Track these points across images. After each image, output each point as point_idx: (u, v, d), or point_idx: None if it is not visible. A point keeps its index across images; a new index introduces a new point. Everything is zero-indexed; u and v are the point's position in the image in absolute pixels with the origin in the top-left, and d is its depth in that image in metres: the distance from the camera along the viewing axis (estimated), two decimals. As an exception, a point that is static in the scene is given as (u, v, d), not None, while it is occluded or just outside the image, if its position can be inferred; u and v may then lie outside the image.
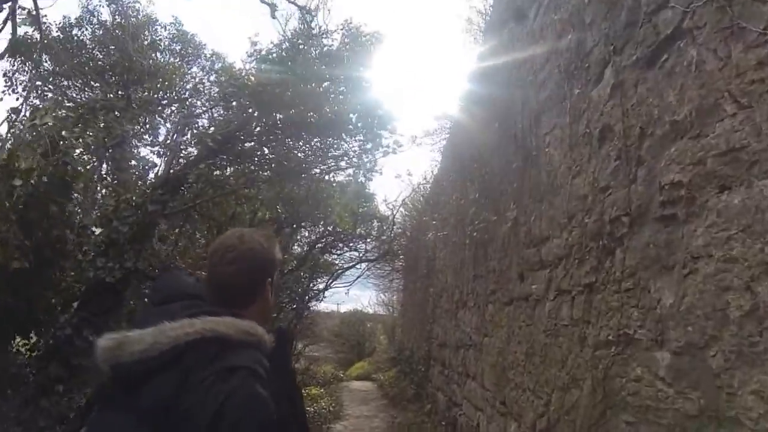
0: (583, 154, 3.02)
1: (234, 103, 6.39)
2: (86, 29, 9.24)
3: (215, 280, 1.35)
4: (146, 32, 9.59)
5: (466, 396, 5.85)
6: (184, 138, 6.86)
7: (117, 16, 9.42)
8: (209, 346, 1.17)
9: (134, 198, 5.54)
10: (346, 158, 7.52)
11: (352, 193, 13.79)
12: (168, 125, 7.91)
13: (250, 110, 6.37)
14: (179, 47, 9.95)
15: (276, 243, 1.48)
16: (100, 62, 8.75)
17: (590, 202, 2.85)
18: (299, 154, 7.47)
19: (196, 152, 6.36)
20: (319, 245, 15.08)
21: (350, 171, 7.89)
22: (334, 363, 23.50)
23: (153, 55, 8.85)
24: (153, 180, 6.66)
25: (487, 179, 5.46)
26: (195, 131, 6.59)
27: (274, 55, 6.17)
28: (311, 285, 14.67)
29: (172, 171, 6.20)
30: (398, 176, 17.97)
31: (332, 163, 7.68)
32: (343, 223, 10.61)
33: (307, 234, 15.80)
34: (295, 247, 15.79)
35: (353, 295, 25.80)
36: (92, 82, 8.66)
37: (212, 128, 6.75)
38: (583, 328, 2.82)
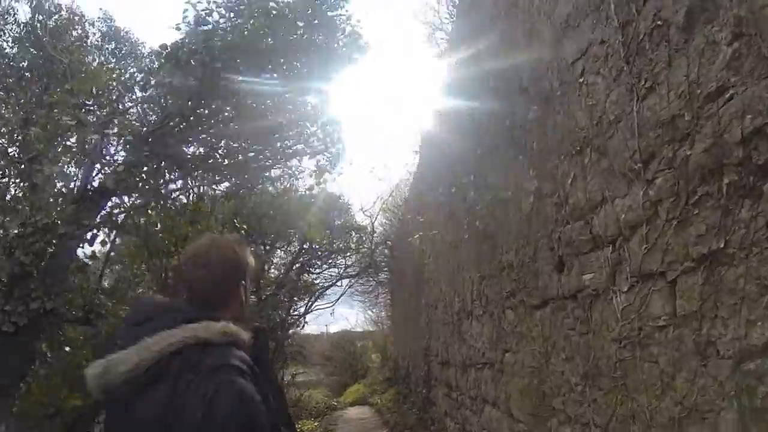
0: (658, 58, 1.93)
1: (152, 92, 5.23)
2: (2, 31, 8.02)
3: (189, 284, 1.40)
4: (71, 30, 8.43)
5: (486, 427, 4.67)
6: (109, 142, 5.65)
7: (39, 15, 8.23)
8: (192, 351, 1.20)
9: (40, 219, 4.28)
10: (308, 147, 6.36)
11: (323, 201, 12.63)
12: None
13: (181, 102, 5.20)
14: (112, 46, 8.79)
15: (247, 248, 1.53)
16: (16, 66, 7.54)
17: (690, 122, 1.75)
18: (252, 154, 6.30)
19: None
20: (296, 265, 13.86)
21: (315, 164, 6.64)
22: (327, 388, 22.16)
23: (80, 55, 7.62)
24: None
25: (487, 149, 4.36)
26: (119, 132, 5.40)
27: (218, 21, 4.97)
28: (291, 310, 13.41)
29: (93, 182, 5.01)
30: (372, 170, 16.81)
31: (290, 152, 6.50)
32: (313, 234, 9.39)
33: (282, 255, 14.53)
34: (272, 270, 14.52)
35: (340, 314, 24.48)
36: (10, 91, 7.40)
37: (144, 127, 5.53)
38: (704, 328, 1.69)
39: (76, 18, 9.07)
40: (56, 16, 8.63)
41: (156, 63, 6.41)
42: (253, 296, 12.18)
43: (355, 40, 6.04)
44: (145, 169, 5.55)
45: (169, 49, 4.71)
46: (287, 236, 12.55)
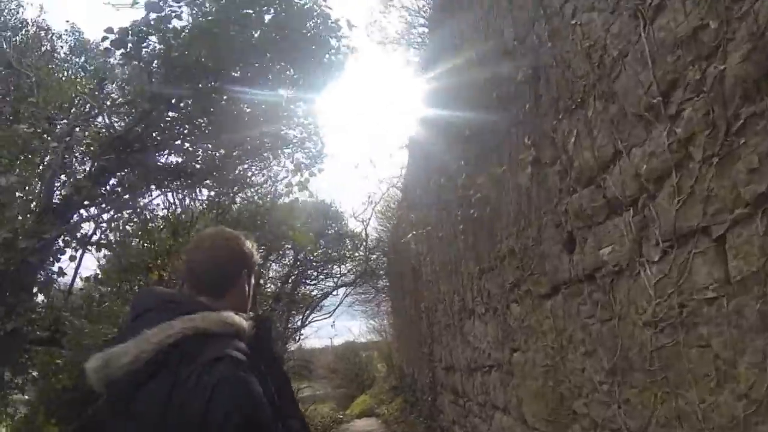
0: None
1: (115, 95, 4.81)
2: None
3: (191, 267, 1.40)
4: (39, 45, 8.04)
5: (498, 435, 4.23)
6: (73, 153, 5.22)
7: (3, 31, 7.84)
8: (192, 342, 1.19)
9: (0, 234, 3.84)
10: (288, 146, 5.93)
11: (313, 209, 12.20)
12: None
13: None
14: (82, 59, 8.40)
15: (251, 240, 1.49)
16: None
17: (718, 30, 1.34)
18: (224, 151, 5.87)
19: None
20: (292, 278, 13.40)
21: (293, 162, 6.19)
22: (334, 401, 21.65)
23: (48, 69, 7.22)
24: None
25: (476, 128, 3.96)
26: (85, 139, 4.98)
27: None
28: (288, 324, 12.92)
29: (57, 195, 4.58)
30: (357, 166, 16.38)
31: (267, 146, 6.07)
32: (300, 238, 8.97)
33: (277, 268, 14.08)
34: (268, 284, 14.07)
35: (343, 327, 24.01)
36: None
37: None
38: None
39: (43, 33, 8.70)
40: (22, 32, 8.26)
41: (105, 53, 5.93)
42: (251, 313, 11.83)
43: (331, 29, 5.64)
44: (113, 180, 5.13)
45: (116, 34, 4.27)
46: (280, 247, 12.09)
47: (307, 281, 13.63)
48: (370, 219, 13.01)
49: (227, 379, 1.13)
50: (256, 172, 6.44)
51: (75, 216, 4.74)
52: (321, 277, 13.67)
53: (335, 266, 13.79)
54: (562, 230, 2.48)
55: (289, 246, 12.90)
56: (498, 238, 3.67)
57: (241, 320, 1.30)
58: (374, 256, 14.18)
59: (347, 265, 14.10)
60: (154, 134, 5.52)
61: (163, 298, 1.33)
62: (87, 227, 5.46)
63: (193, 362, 1.16)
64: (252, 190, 8.88)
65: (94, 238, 5.85)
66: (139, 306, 1.33)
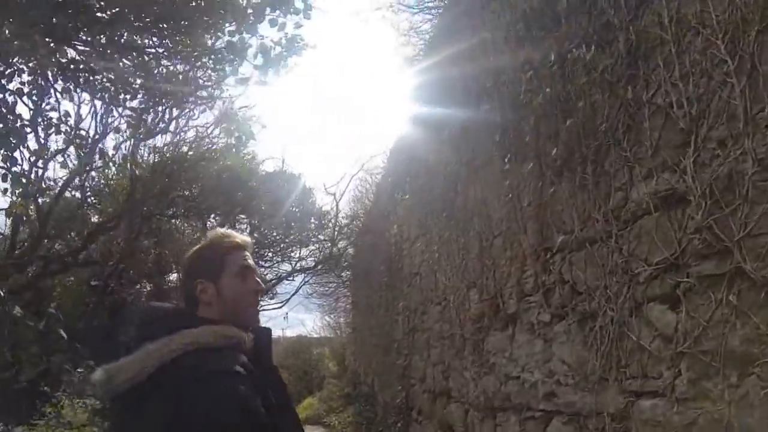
0: None
1: None
2: None
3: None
4: None
5: None
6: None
7: None
8: (192, 356, 1.20)
9: None
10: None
11: (281, 180, 10.30)
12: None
13: None
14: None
15: (222, 235, 1.45)
16: None
17: None
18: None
19: None
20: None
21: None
22: None
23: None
24: None
25: None
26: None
27: None
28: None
29: None
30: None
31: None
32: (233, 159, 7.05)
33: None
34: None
35: (295, 319, 22.03)
36: None
37: None
38: None
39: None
40: None
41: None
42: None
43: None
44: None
45: None
46: (232, 217, 10.12)
47: (263, 263, 11.63)
48: (344, 193, 11.06)
49: (225, 394, 1.15)
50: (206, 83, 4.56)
51: None
52: (277, 259, 11.68)
53: (295, 249, 11.86)
54: None
55: (245, 218, 10.93)
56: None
57: (240, 332, 1.30)
58: (341, 243, 12.29)
59: (309, 247, 12.22)
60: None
61: (165, 313, 1.37)
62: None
63: (192, 376, 1.17)
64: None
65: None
66: (142, 321, 1.33)
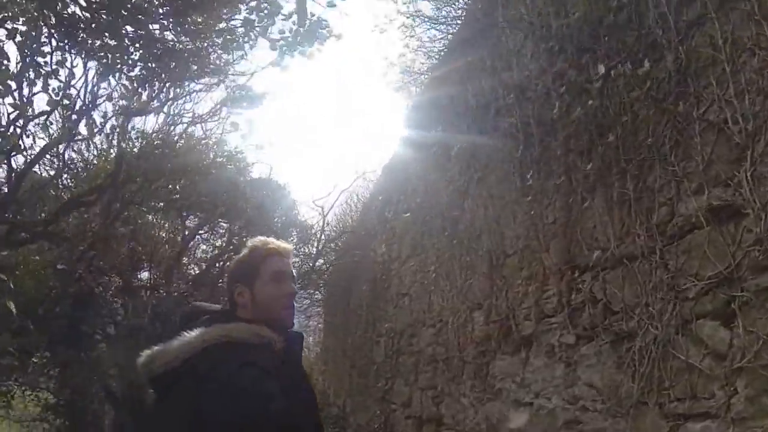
0: None
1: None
2: None
3: None
4: None
5: None
6: None
7: None
8: (222, 347, 1.30)
9: None
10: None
11: (262, 186, 10.08)
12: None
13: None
14: None
15: (259, 244, 1.53)
16: None
17: None
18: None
19: None
20: (220, 263, 11.01)
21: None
22: None
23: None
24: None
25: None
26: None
27: None
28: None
29: None
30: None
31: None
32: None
33: (205, 248, 11.60)
34: (191, 266, 11.56)
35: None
36: None
37: None
38: None
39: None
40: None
41: None
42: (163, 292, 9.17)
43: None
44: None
45: None
46: (213, 218, 9.79)
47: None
48: (332, 207, 10.78)
49: (247, 384, 1.22)
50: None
51: None
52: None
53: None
54: None
55: (224, 222, 10.60)
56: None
57: (271, 333, 1.37)
58: (319, 261, 11.98)
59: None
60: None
61: (206, 310, 1.49)
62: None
63: (220, 367, 1.25)
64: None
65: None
66: (185, 317, 1.46)
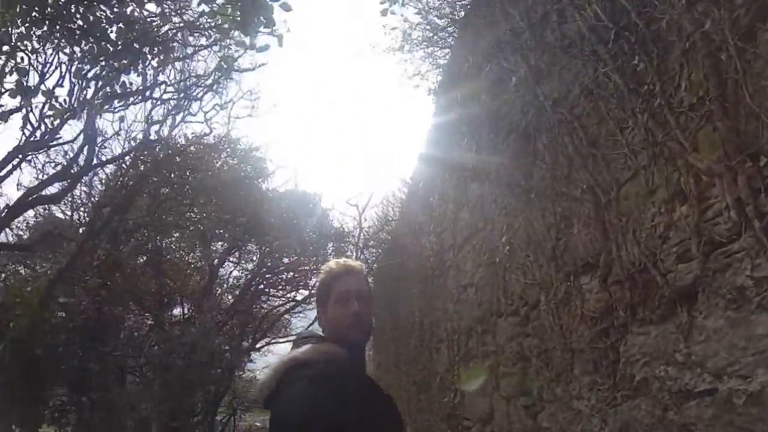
0: None
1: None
2: None
3: None
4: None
5: None
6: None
7: None
8: (298, 366, 1.46)
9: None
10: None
11: (292, 201, 9.22)
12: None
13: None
14: None
15: (329, 266, 1.70)
16: None
17: None
18: None
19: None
20: (253, 286, 10.11)
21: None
22: None
23: None
24: None
25: None
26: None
27: None
28: (243, 346, 9.52)
29: None
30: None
31: None
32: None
33: (237, 274, 10.80)
34: (225, 294, 10.76)
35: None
36: None
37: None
38: None
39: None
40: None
41: None
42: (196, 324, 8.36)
43: None
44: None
45: None
46: (242, 241, 8.97)
47: (272, 291, 10.33)
48: (366, 207, 9.77)
49: (307, 393, 1.36)
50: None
51: None
52: (289, 288, 10.36)
53: (312, 278, 10.55)
54: None
55: (254, 244, 9.76)
56: None
57: (336, 348, 1.51)
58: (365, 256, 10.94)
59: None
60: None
61: (302, 336, 1.69)
62: None
63: (293, 380, 1.42)
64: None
65: None
66: (295, 343, 1.65)
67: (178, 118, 6.29)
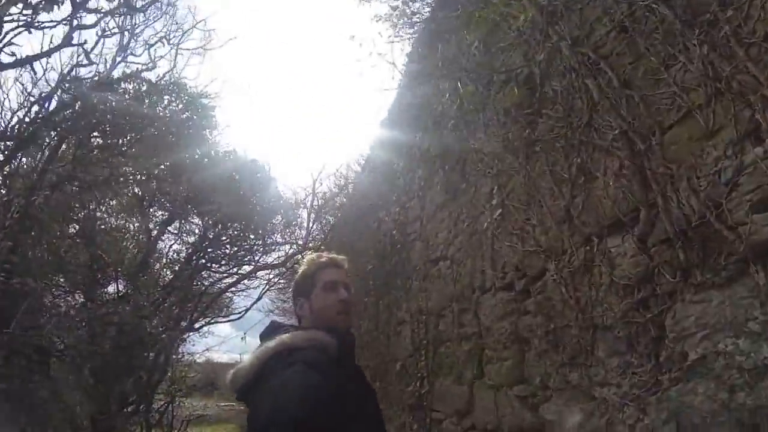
0: None
1: None
2: None
3: None
4: None
5: None
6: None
7: None
8: (282, 353, 1.42)
9: None
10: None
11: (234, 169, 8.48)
12: None
13: None
14: None
15: (313, 258, 1.72)
16: None
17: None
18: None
19: None
20: (194, 261, 9.28)
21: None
22: (239, 426, 17.47)
23: None
24: None
25: None
26: None
27: None
28: (181, 326, 8.72)
29: None
30: None
31: None
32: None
33: (177, 247, 9.89)
34: (165, 269, 9.80)
35: (255, 342, 19.52)
36: None
37: None
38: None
39: None
40: None
41: None
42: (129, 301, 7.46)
43: None
44: None
45: None
46: (184, 210, 8.14)
47: (214, 267, 9.54)
48: (320, 174, 9.12)
49: (292, 377, 1.32)
50: None
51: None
52: (232, 263, 9.58)
53: (258, 254, 9.83)
54: None
55: (196, 215, 8.93)
56: None
57: (324, 336, 1.48)
58: (315, 231, 10.31)
59: (273, 255, 10.21)
60: None
61: (276, 326, 1.61)
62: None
63: (278, 366, 1.37)
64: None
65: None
66: (266, 332, 1.58)
67: (113, 43, 5.36)
